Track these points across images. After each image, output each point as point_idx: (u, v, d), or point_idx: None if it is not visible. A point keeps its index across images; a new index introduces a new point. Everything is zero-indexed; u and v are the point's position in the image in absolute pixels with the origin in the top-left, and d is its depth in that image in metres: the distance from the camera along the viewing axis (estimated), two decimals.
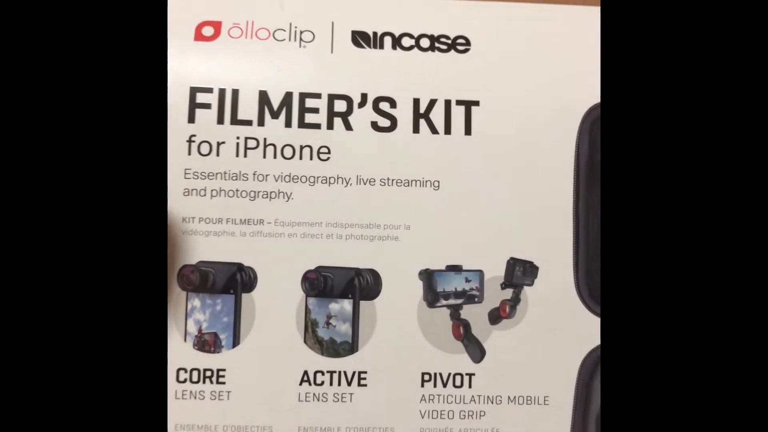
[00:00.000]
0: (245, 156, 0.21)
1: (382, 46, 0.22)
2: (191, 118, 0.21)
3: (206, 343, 0.21)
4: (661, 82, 0.16)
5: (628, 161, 0.16)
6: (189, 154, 0.21)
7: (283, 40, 0.22)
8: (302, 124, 0.21)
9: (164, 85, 0.20)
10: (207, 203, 0.21)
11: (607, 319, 0.16)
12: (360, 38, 0.22)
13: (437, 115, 0.22)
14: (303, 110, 0.21)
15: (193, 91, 0.21)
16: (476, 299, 0.22)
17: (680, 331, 0.16)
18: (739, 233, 0.16)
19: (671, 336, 0.16)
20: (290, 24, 0.22)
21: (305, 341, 0.21)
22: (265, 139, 0.21)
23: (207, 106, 0.21)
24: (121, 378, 0.15)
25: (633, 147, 0.16)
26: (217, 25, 0.22)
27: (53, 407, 0.15)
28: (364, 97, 0.22)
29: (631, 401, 0.16)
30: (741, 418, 0.15)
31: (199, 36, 0.22)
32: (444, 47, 0.22)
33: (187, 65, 0.21)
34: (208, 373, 0.21)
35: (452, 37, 0.22)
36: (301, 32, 0.22)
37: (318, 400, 0.21)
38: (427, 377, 0.21)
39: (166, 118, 0.21)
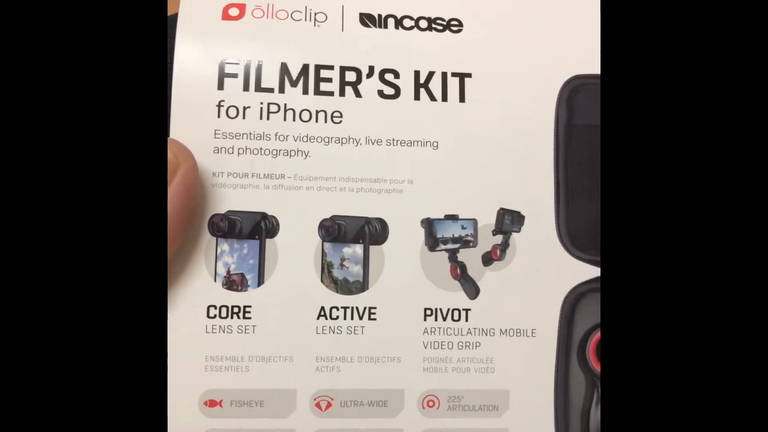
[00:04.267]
0: (268, 119, 0.24)
1: (386, 26, 0.25)
2: (220, 86, 0.24)
3: (234, 282, 0.24)
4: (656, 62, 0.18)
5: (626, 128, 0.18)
6: (218, 116, 0.24)
7: (300, 20, 0.25)
8: (318, 91, 0.24)
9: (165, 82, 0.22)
10: (234, 160, 0.24)
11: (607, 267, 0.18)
12: (367, 19, 0.25)
13: (435, 85, 0.25)
14: (318, 80, 0.25)
15: (222, 62, 0.24)
16: (471, 244, 0.25)
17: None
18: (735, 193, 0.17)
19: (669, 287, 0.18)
20: (305, 7, 0.25)
21: (322, 280, 0.24)
22: (285, 105, 0.24)
23: (234, 75, 0.24)
24: (120, 365, 0.17)
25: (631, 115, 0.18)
26: (241, 7, 0.25)
27: (50, 394, 0.16)
28: (371, 69, 0.25)
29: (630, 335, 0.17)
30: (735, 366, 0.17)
31: (226, 16, 0.25)
32: (440, 27, 0.26)
33: (216, 41, 0.24)
34: (236, 309, 0.23)
35: (447, 19, 0.26)
36: (315, 13, 0.25)
37: (333, 333, 0.24)
38: (429, 312, 0.24)
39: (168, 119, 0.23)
